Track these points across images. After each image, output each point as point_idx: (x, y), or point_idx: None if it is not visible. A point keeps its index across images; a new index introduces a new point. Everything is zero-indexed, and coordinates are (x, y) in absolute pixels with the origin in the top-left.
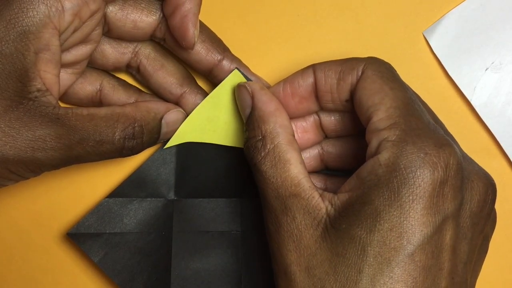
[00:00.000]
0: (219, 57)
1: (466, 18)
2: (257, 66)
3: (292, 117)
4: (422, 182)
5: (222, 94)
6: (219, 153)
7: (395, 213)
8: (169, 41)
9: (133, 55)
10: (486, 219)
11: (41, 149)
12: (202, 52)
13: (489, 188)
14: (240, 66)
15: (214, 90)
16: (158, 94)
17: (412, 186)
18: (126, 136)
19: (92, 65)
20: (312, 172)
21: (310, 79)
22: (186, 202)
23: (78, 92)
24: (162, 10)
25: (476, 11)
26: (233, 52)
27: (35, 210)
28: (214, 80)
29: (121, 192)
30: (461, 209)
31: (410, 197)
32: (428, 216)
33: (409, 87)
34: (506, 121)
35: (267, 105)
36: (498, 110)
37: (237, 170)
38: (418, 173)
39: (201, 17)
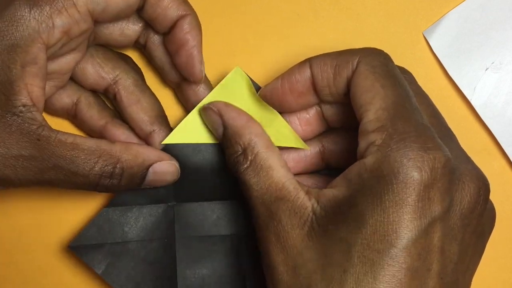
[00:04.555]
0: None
1: (466, 18)
2: (257, 66)
3: (293, 111)
4: (405, 188)
5: (223, 92)
6: (217, 155)
7: (378, 218)
8: (148, 47)
9: (112, 82)
10: (479, 219)
11: (12, 167)
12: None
13: (481, 188)
14: (207, 88)
15: (215, 88)
16: (130, 126)
17: (394, 193)
18: (103, 174)
19: (72, 80)
20: (313, 171)
21: (307, 74)
22: (186, 206)
23: (54, 102)
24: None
25: (476, 11)
26: (232, 51)
27: (36, 217)
28: (179, 95)
29: (120, 200)
30: (450, 210)
31: (392, 203)
32: (413, 220)
33: (403, 81)
34: (506, 121)
35: (238, 119)
36: (498, 110)
37: None
38: (400, 179)
39: (200, 17)
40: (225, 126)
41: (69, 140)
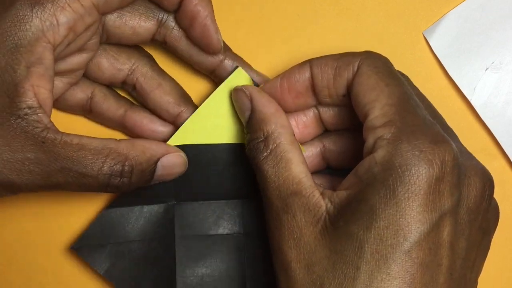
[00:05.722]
0: (221, 57)
1: (466, 18)
2: (257, 67)
3: (289, 112)
4: (417, 180)
5: (225, 93)
6: (217, 155)
7: (391, 211)
8: (170, 43)
9: (129, 73)
10: (484, 215)
11: (18, 171)
12: (203, 53)
13: (486, 183)
14: (242, 64)
15: (217, 89)
16: (154, 112)
17: (407, 184)
18: (113, 173)
19: (88, 77)
20: (315, 171)
21: (306, 75)
22: (187, 205)
23: (68, 98)
24: (160, 14)
25: (476, 11)
26: (233, 51)
27: (36, 218)
28: (216, 79)
29: (121, 201)
30: (458, 205)
31: (406, 195)
32: (424, 213)
33: (404, 81)
34: (506, 121)
35: (267, 107)
36: (498, 110)
37: (237, 172)
38: (413, 171)
39: None
40: (253, 110)
41: (74, 141)
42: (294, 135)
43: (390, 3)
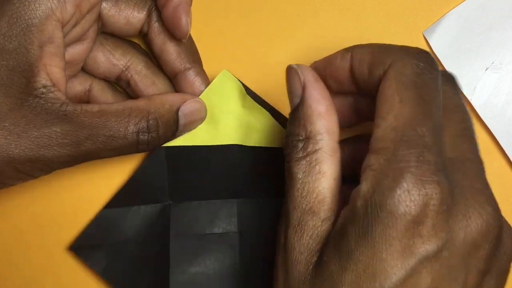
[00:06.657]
0: (187, 66)
1: (466, 18)
2: (257, 66)
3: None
4: (395, 223)
5: (212, 95)
6: (211, 154)
7: (368, 253)
8: (149, 35)
9: (124, 69)
10: (487, 259)
11: (47, 146)
12: (173, 54)
13: (491, 225)
14: (203, 82)
15: (204, 92)
16: None
17: (385, 226)
18: (140, 130)
19: (84, 70)
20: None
21: (347, 64)
22: (182, 205)
23: (67, 91)
24: (151, 5)
25: (476, 11)
26: (233, 52)
27: (36, 218)
28: (175, 87)
29: (117, 201)
30: (448, 249)
31: (383, 238)
32: (401, 258)
33: (431, 95)
34: (506, 121)
35: (318, 104)
36: (498, 110)
37: (231, 170)
38: (391, 212)
39: (201, 17)
40: (302, 101)
41: (95, 109)
42: (338, 142)
43: (390, 3)
